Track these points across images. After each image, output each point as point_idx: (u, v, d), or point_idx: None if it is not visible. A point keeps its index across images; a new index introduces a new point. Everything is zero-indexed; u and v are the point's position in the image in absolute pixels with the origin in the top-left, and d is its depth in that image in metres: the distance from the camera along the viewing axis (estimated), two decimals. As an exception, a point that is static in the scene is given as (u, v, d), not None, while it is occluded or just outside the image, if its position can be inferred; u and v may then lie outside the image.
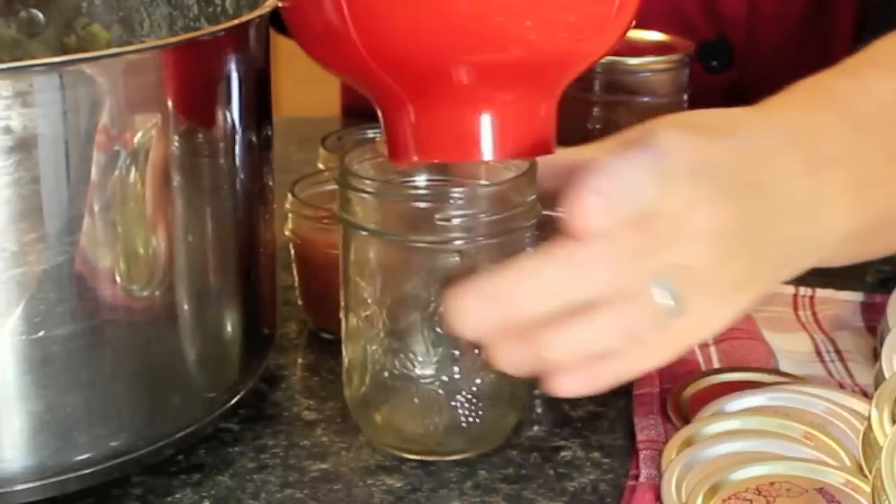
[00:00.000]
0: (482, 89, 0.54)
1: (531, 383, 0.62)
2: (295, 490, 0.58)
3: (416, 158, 0.55)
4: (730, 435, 0.59)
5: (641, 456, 0.59)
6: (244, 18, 0.57)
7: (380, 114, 0.56)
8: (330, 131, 0.82)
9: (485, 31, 0.51)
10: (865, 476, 0.54)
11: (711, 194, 0.55)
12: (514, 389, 0.60)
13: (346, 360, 0.61)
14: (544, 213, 0.60)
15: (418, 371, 0.58)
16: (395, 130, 0.56)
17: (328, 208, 0.70)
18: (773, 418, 0.60)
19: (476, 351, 0.58)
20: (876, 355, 0.65)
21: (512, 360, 0.53)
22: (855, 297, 0.75)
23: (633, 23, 0.56)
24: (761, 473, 0.55)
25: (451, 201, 0.56)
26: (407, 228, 0.56)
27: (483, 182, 0.58)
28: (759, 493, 0.54)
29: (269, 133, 0.62)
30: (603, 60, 0.60)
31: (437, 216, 0.55)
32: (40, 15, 0.75)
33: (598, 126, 0.80)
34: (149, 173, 0.54)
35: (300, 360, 0.70)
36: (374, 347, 0.59)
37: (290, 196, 0.71)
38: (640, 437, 0.61)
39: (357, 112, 0.94)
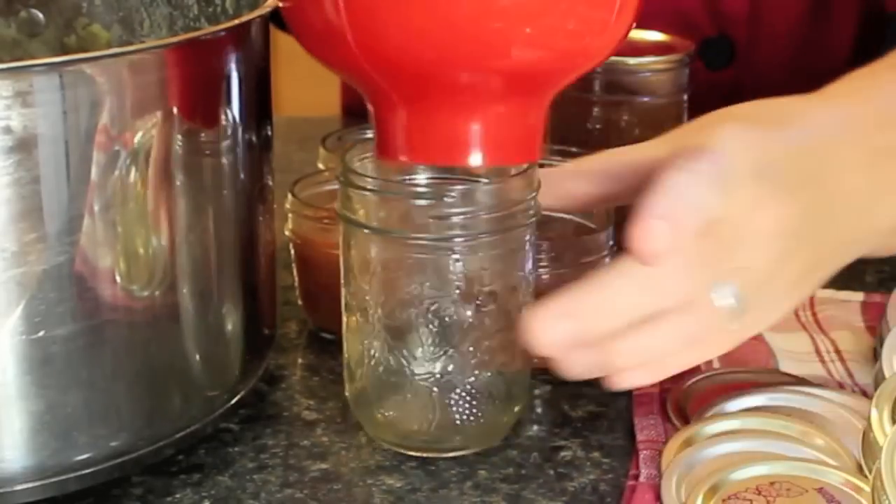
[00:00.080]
0: (475, 96, 0.54)
1: (528, 382, 0.62)
2: (295, 490, 0.58)
3: (403, 158, 0.56)
4: (730, 435, 0.59)
5: (641, 456, 0.59)
6: (244, 18, 0.57)
7: (371, 110, 0.57)
8: (330, 131, 0.82)
9: (483, 40, 0.51)
10: (865, 476, 0.54)
11: (774, 193, 0.55)
12: (510, 388, 0.60)
13: (346, 357, 0.61)
14: (544, 212, 0.60)
15: (414, 368, 0.58)
16: (385, 129, 0.56)
17: (328, 208, 0.70)
18: (773, 418, 0.60)
19: (471, 349, 0.58)
20: (876, 355, 0.65)
21: (578, 368, 0.54)
22: (855, 297, 0.75)
23: (630, 31, 0.56)
24: (761, 473, 0.55)
25: (451, 199, 0.56)
26: (407, 226, 0.56)
27: (483, 180, 0.58)
28: (759, 493, 0.54)
29: (269, 133, 0.62)
30: (603, 60, 0.60)
31: (430, 213, 0.55)
32: (40, 15, 0.75)
33: (598, 126, 0.80)
34: (149, 173, 0.54)
35: (300, 360, 0.70)
36: (372, 344, 0.59)
37: (290, 196, 0.71)
38: (640, 437, 0.61)
39: (357, 112, 0.94)
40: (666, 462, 0.57)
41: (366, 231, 0.57)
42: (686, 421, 0.61)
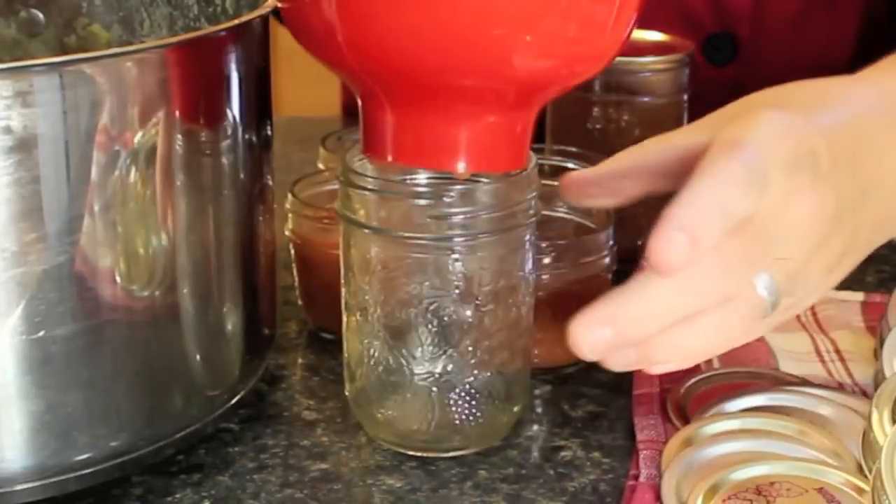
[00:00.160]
0: (465, 105, 0.54)
1: (528, 382, 0.62)
2: (295, 490, 0.58)
3: (389, 159, 0.56)
4: (730, 435, 0.59)
5: (641, 456, 0.59)
6: (244, 18, 0.57)
7: (360, 108, 0.57)
8: (330, 131, 0.82)
9: (480, 48, 0.51)
10: (865, 476, 0.54)
11: (810, 182, 0.55)
12: (509, 388, 0.60)
13: (345, 357, 0.61)
14: (544, 212, 0.60)
15: (413, 368, 0.58)
16: (373, 128, 0.56)
17: (328, 208, 0.70)
18: (773, 418, 0.60)
19: (470, 349, 0.58)
20: (876, 355, 0.65)
21: (619, 365, 0.55)
22: (855, 297, 0.75)
23: (626, 43, 0.56)
24: (761, 473, 0.55)
25: (451, 199, 0.56)
26: (407, 226, 0.56)
27: (483, 180, 0.58)
28: (759, 493, 0.54)
29: (269, 133, 0.62)
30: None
31: (430, 213, 0.56)
32: (40, 15, 0.75)
33: (598, 126, 0.80)
34: (149, 173, 0.54)
35: (300, 360, 0.70)
36: (371, 344, 0.59)
37: (290, 196, 0.71)
38: (640, 437, 0.61)
39: (357, 112, 0.94)
40: (666, 462, 0.57)
41: (366, 231, 0.57)
42: (686, 421, 0.61)
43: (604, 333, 0.53)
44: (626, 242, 0.70)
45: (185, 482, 0.58)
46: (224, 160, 0.58)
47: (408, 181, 0.58)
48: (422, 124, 0.54)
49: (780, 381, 0.64)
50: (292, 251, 0.71)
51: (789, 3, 0.98)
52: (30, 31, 0.75)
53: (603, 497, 0.58)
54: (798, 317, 0.73)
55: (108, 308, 0.54)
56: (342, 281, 0.60)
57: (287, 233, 0.71)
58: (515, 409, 0.61)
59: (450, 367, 0.58)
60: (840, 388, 0.65)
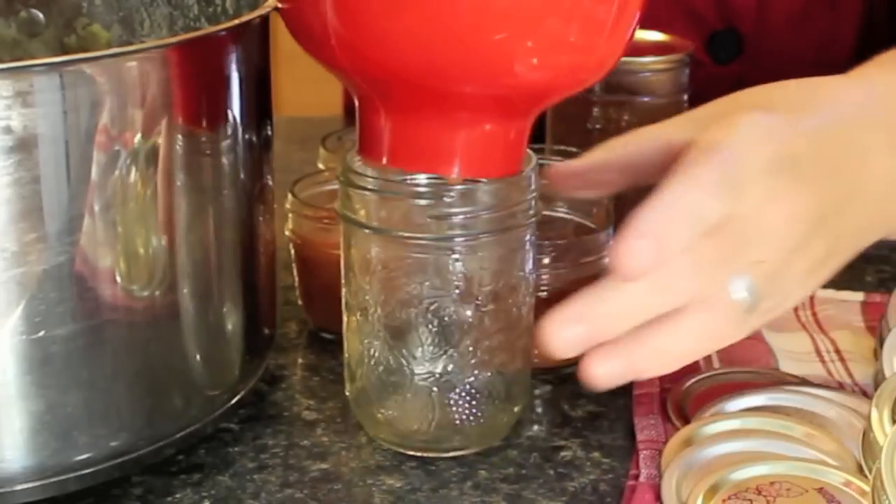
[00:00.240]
0: (462, 111, 0.54)
1: (528, 382, 0.62)
2: (295, 490, 0.58)
3: (384, 161, 0.56)
4: (730, 435, 0.59)
5: (641, 456, 0.59)
6: (244, 18, 0.57)
7: (357, 109, 0.57)
8: (330, 131, 0.82)
9: (480, 58, 0.51)
10: (865, 476, 0.54)
11: (790, 186, 0.55)
12: (509, 388, 0.60)
13: (346, 356, 0.61)
14: (544, 212, 0.60)
15: (413, 368, 0.58)
16: (369, 130, 0.56)
17: (328, 208, 0.70)
18: (773, 418, 0.60)
19: (471, 349, 0.58)
20: (876, 355, 0.65)
21: (606, 375, 0.55)
22: (855, 297, 0.75)
23: (624, 50, 0.56)
24: (761, 473, 0.55)
25: (451, 199, 0.56)
26: (407, 226, 0.56)
27: (483, 180, 0.58)
28: (759, 493, 0.54)
29: (269, 133, 0.62)
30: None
31: (430, 213, 0.56)
32: (40, 15, 0.75)
33: (598, 126, 0.80)
34: (149, 173, 0.54)
35: (300, 360, 0.70)
36: (372, 344, 0.59)
37: (290, 196, 0.71)
38: (640, 437, 0.61)
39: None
40: (666, 462, 0.57)
41: (366, 231, 0.57)
42: (686, 421, 0.61)
43: (576, 331, 0.53)
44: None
45: (185, 482, 0.58)
46: (224, 160, 0.58)
47: (408, 181, 0.58)
48: (416, 129, 0.55)
49: (780, 381, 0.64)
50: (292, 251, 0.71)
51: (793, 0, 0.98)
52: (30, 31, 0.75)
53: (603, 497, 0.58)
54: (798, 317, 0.73)
55: (108, 308, 0.54)
56: (342, 281, 0.60)
57: (287, 233, 0.71)
58: (516, 409, 0.61)
59: (450, 367, 0.58)
60: (840, 388, 0.65)
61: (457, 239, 0.56)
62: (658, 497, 0.56)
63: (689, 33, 0.94)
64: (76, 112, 0.51)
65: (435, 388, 0.59)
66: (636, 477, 0.58)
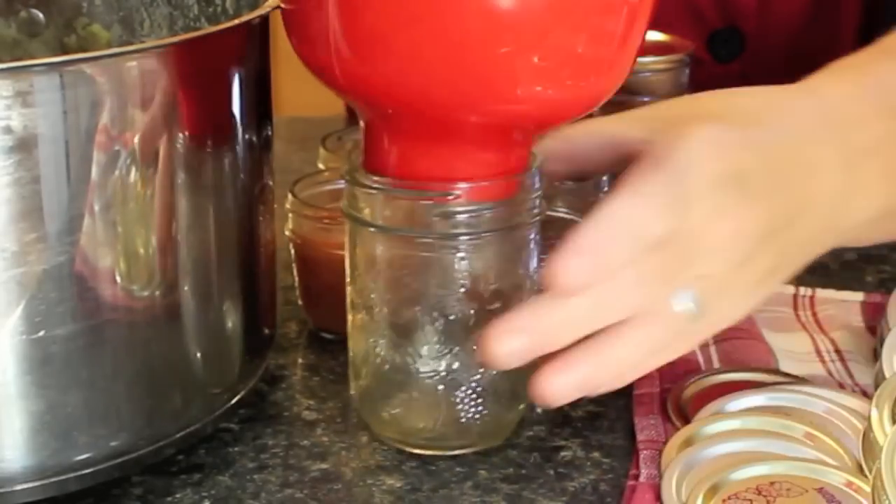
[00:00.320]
0: (462, 140, 0.54)
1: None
2: (295, 490, 0.58)
3: (387, 175, 0.56)
4: (730, 435, 0.59)
5: (641, 456, 0.59)
6: (244, 18, 0.57)
7: (361, 123, 0.57)
8: (330, 131, 0.82)
9: (485, 85, 0.52)
10: (865, 476, 0.54)
11: (737, 202, 0.55)
12: (515, 386, 0.60)
13: (351, 355, 0.61)
14: (548, 212, 0.60)
15: (419, 366, 0.58)
16: (372, 146, 0.57)
17: (328, 208, 0.70)
18: (773, 418, 0.60)
19: (476, 347, 0.58)
20: (876, 355, 0.65)
21: (560, 392, 0.55)
22: (855, 297, 0.75)
23: (629, 71, 0.56)
24: (761, 473, 0.55)
25: (456, 197, 0.56)
26: (413, 224, 0.56)
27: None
28: (759, 493, 0.54)
29: (269, 133, 0.62)
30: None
31: (435, 212, 0.56)
32: (40, 15, 0.75)
33: (598, 126, 0.80)
34: (149, 173, 0.54)
35: (300, 360, 0.70)
36: (377, 342, 0.59)
37: (290, 196, 0.71)
38: (640, 437, 0.61)
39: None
40: (666, 462, 0.57)
41: (372, 229, 0.57)
42: (686, 421, 0.61)
43: (518, 342, 0.54)
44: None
45: (185, 482, 0.58)
46: (224, 160, 0.58)
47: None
48: (418, 152, 0.55)
49: (780, 381, 0.64)
50: (292, 251, 0.71)
51: None
52: (30, 31, 0.75)
53: (603, 497, 0.58)
54: (798, 317, 0.73)
55: (108, 308, 0.54)
56: (347, 279, 0.60)
57: (287, 233, 0.71)
58: (521, 407, 0.61)
59: (456, 365, 0.58)
60: (840, 388, 0.65)
61: (462, 238, 0.56)
62: (658, 497, 0.56)
63: (691, 32, 0.94)
64: (76, 112, 0.51)
65: (441, 386, 0.58)
66: (636, 477, 0.58)
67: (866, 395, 0.64)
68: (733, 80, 1.00)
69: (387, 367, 0.58)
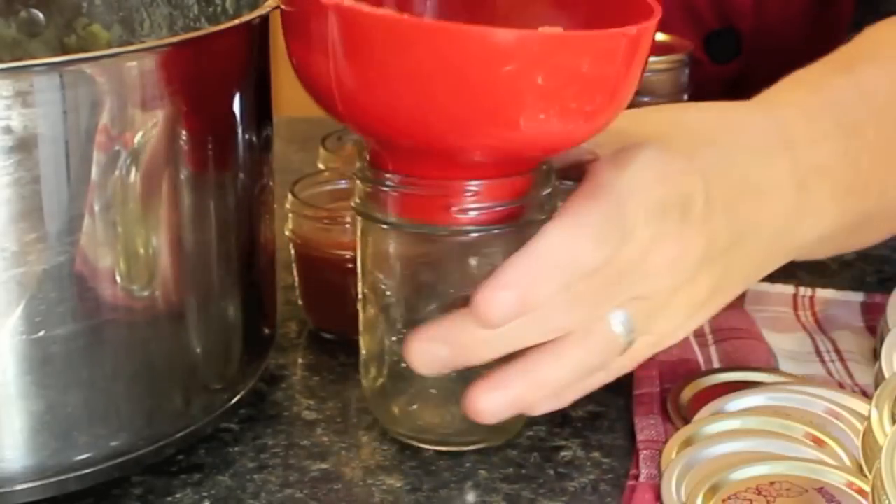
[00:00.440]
0: (462, 171, 0.55)
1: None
2: (295, 490, 0.58)
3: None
4: (730, 435, 0.59)
5: (641, 456, 0.59)
6: (244, 18, 0.57)
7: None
8: (330, 131, 0.82)
9: (485, 111, 0.51)
10: (865, 476, 0.54)
11: (677, 228, 0.54)
12: None
13: (363, 352, 0.61)
14: None
15: None
16: (376, 158, 0.57)
17: (328, 208, 0.70)
18: (773, 418, 0.60)
19: None
20: (876, 355, 0.65)
21: (492, 413, 0.55)
22: (855, 297, 0.75)
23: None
24: (761, 473, 0.55)
25: (468, 193, 0.56)
26: (426, 221, 0.56)
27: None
28: (759, 493, 0.54)
29: (269, 133, 0.62)
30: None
31: (455, 208, 0.55)
32: (40, 15, 0.75)
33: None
34: (149, 173, 0.54)
35: (300, 360, 0.70)
36: (392, 339, 0.59)
37: (290, 196, 0.71)
38: (640, 437, 0.61)
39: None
40: (666, 462, 0.57)
41: (384, 226, 0.57)
42: (686, 421, 0.61)
43: (438, 352, 0.54)
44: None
45: (186, 482, 0.58)
46: (224, 160, 0.58)
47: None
48: (419, 183, 0.55)
49: (780, 381, 0.64)
50: (292, 251, 0.71)
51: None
52: (30, 31, 0.75)
53: (603, 497, 0.58)
54: (798, 317, 0.73)
55: (108, 308, 0.54)
56: (359, 276, 0.60)
57: (287, 233, 0.71)
58: None
59: None
60: (840, 388, 0.65)
61: (473, 234, 0.56)
62: (658, 497, 0.56)
63: (688, 32, 0.94)
64: (76, 112, 0.51)
65: (455, 382, 0.58)
66: (636, 477, 0.58)
67: (866, 395, 0.64)
68: (730, 80, 1.01)
69: (403, 365, 0.58)
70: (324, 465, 0.60)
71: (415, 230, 0.57)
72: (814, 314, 0.73)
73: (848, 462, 0.57)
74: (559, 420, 0.63)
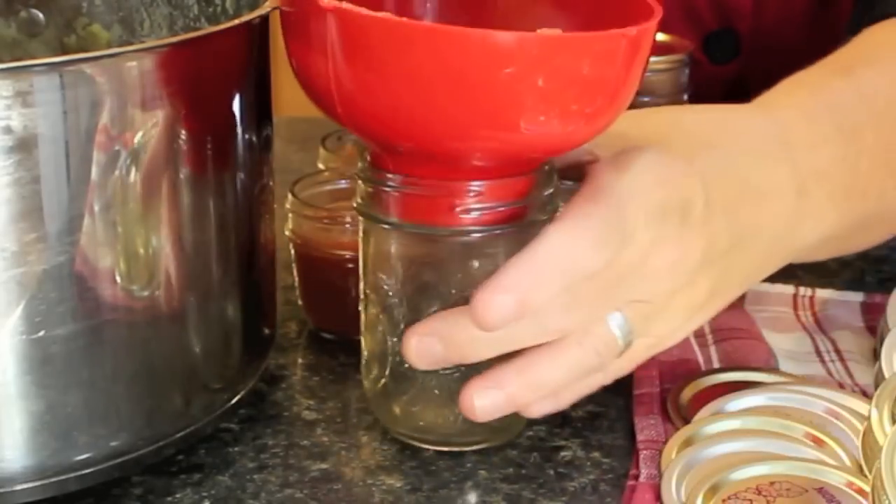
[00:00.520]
0: (463, 172, 0.55)
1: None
2: (295, 490, 0.58)
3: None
4: (730, 435, 0.59)
5: (641, 456, 0.59)
6: (244, 18, 0.57)
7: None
8: (330, 131, 0.82)
9: (485, 113, 0.51)
10: (865, 476, 0.54)
11: (677, 232, 0.54)
12: None
13: (364, 352, 0.61)
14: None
15: None
16: (377, 159, 0.57)
17: (328, 208, 0.70)
18: (773, 418, 0.60)
19: None
20: (876, 355, 0.65)
21: (487, 412, 0.55)
22: (855, 297, 0.75)
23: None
24: (761, 473, 0.55)
25: (470, 194, 0.56)
26: (428, 221, 0.56)
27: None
28: (759, 493, 0.54)
29: (269, 133, 0.62)
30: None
31: (457, 208, 0.55)
32: (40, 15, 0.75)
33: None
34: (149, 173, 0.54)
35: (300, 360, 0.70)
36: (394, 339, 0.59)
37: (290, 196, 0.71)
38: (640, 437, 0.61)
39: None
40: (666, 462, 0.57)
41: (386, 226, 0.57)
42: (686, 421, 0.61)
43: (433, 347, 0.54)
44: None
45: (186, 482, 0.58)
46: (224, 160, 0.58)
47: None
48: (421, 184, 0.55)
49: (780, 381, 0.64)
50: (292, 251, 0.71)
51: (790, 0, 0.98)
52: (30, 31, 0.75)
53: (603, 497, 0.58)
54: (798, 317, 0.73)
55: (108, 308, 0.54)
56: (360, 276, 0.60)
57: (287, 233, 0.71)
58: None
59: None
60: (840, 388, 0.65)
61: (476, 234, 0.56)
62: (658, 497, 0.56)
63: (687, 33, 0.94)
64: (76, 112, 0.51)
65: (458, 382, 0.58)
66: (636, 477, 0.58)
67: (866, 395, 0.64)
68: (729, 81, 1.01)
69: (405, 365, 0.58)
70: (324, 465, 0.60)
71: (417, 231, 0.57)
72: (814, 314, 0.73)
73: (848, 462, 0.57)
74: (559, 420, 0.63)
